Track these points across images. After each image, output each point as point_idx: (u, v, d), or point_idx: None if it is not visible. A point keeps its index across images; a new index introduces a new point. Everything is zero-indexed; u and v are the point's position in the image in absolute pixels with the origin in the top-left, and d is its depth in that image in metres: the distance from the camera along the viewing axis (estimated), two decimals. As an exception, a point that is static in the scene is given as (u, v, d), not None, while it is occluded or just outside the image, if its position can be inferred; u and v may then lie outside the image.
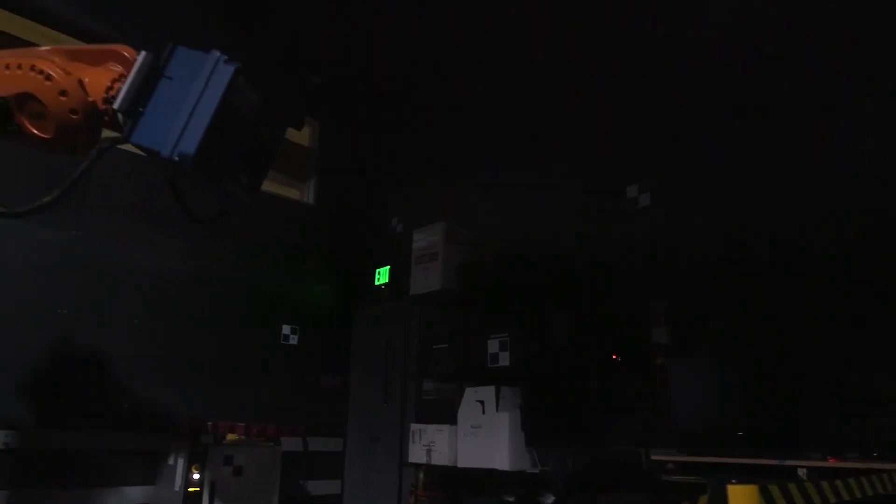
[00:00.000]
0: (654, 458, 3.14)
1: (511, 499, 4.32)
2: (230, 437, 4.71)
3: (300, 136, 6.54)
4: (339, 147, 6.72)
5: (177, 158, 1.65)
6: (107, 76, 1.78)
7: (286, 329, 5.91)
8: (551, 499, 4.10)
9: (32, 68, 1.74)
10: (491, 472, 4.00)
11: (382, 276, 6.22)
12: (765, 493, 1.53)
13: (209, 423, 4.61)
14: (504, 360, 4.12)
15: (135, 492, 4.73)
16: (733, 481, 1.37)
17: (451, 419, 4.34)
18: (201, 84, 1.71)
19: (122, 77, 1.74)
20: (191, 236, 5.38)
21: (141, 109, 1.69)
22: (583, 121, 4.81)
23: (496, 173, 5.41)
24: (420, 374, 4.97)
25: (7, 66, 1.76)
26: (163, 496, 4.60)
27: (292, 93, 6.26)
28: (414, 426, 4.59)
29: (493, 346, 4.18)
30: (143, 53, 1.73)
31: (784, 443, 3.14)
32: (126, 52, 1.81)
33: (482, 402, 4.14)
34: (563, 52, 4.97)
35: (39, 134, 1.78)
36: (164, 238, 5.18)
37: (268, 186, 6.19)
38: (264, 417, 5.25)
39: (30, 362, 4.46)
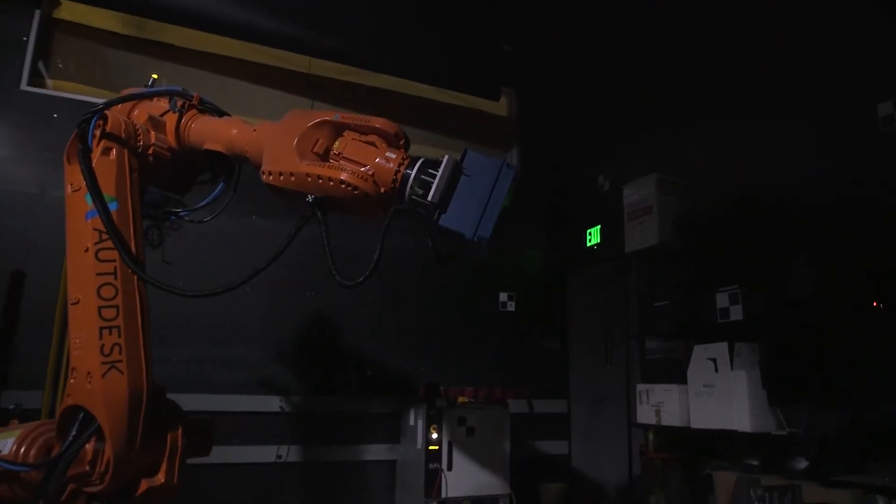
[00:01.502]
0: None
1: (755, 462, 4.01)
2: (461, 399, 5.00)
3: (498, 107, 6.63)
4: (538, 111, 6.68)
5: (476, 239, 2.32)
6: (388, 170, 2.37)
7: (503, 297, 6.08)
8: (804, 463, 3.72)
9: (341, 182, 2.36)
10: (729, 434, 3.75)
11: (594, 236, 6.10)
12: None
13: (441, 388, 4.94)
14: (736, 314, 3.82)
15: (384, 449, 5.30)
16: None
17: (680, 378, 4.14)
18: (491, 182, 2.31)
19: (400, 166, 2.35)
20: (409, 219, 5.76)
21: (447, 201, 2.30)
22: (812, 30, 4.17)
23: (711, 112, 4.95)
24: (642, 332, 4.80)
25: (314, 177, 2.40)
26: (408, 453, 5.06)
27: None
28: (640, 386, 4.46)
29: (721, 300, 3.89)
30: (447, 157, 2.31)
31: None
32: (389, 128, 2.45)
33: (714, 360, 3.88)
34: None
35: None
36: (393, 222, 5.61)
37: (472, 160, 6.40)
38: (490, 381, 5.49)
39: (292, 339, 5.19)
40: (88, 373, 2.52)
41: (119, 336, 2.57)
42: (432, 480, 4.62)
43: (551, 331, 6.28)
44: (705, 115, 5.03)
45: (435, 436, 4.73)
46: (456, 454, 4.78)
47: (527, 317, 6.15)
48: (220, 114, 2.99)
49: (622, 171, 5.30)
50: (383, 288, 5.44)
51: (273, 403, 4.98)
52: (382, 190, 2.42)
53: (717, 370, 3.87)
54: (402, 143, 2.52)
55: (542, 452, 5.96)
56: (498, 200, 2.35)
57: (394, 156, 2.40)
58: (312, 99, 5.77)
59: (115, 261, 2.62)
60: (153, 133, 2.84)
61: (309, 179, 2.42)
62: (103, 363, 2.52)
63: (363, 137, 2.49)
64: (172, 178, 3.02)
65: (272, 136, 2.58)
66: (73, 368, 2.55)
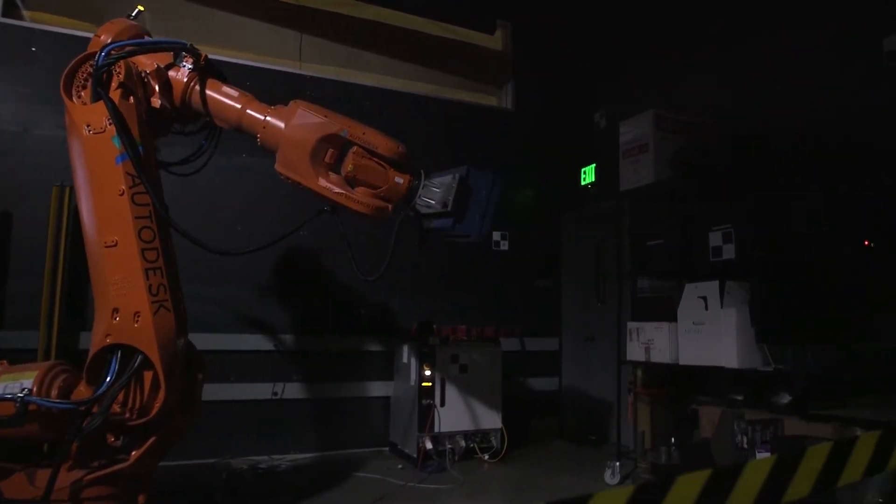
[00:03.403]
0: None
1: (739, 397, 4.11)
2: (453, 338, 5.06)
3: (493, 41, 6.42)
4: (533, 46, 6.48)
5: (478, 239, 3.08)
6: (398, 191, 2.97)
7: (496, 235, 6.07)
8: (787, 398, 3.81)
9: (358, 207, 2.92)
10: (717, 370, 3.82)
11: (588, 175, 6.04)
12: None
13: (435, 326, 4.98)
14: (728, 252, 3.81)
15: (378, 386, 5.39)
16: None
17: (671, 317, 4.17)
18: (488, 191, 3.05)
19: (409, 184, 2.99)
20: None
21: (461, 210, 2.98)
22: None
23: (710, 48, 4.82)
24: (634, 272, 4.81)
25: (333, 194, 2.89)
26: (401, 389, 5.16)
27: None
28: (631, 324, 4.51)
29: (714, 238, 3.87)
30: (456, 176, 2.98)
31: None
32: (391, 153, 2.95)
33: (705, 298, 3.90)
34: None
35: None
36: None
37: (465, 96, 6.25)
38: (483, 320, 5.55)
39: (285, 279, 5.19)
40: (136, 313, 2.64)
41: (163, 276, 2.74)
42: (425, 416, 4.73)
43: (544, 270, 6.30)
44: (704, 51, 4.89)
45: (428, 373, 4.81)
46: (448, 391, 4.88)
47: (520, 256, 6.15)
48: (222, 77, 3.11)
49: (619, 108, 5.19)
50: (378, 228, 5.41)
51: (267, 343, 5.03)
52: (390, 207, 2.97)
53: (707, 308, 3.90)
54: (404, 160, 2.98)
55: (534, 389, 6.09)
56: (493, 204, 3.07)
57: (402, 180, 2.96)
58: (301, 32, 5.58)
59: (149, 205, 2.77)
60: (156, 85, 2.90)
61: (327, 196, 2.89)
62: (153, 303, 2.67)
63: (370, 157, 2.91)
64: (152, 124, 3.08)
65: (285, 140, 2.91)
66: (116, 309, 2.64)
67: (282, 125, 2.92)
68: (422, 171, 3.02)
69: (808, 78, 4.01)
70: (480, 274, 5.95)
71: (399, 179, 2.93)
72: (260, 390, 4.96)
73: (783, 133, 3.82)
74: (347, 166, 2.86)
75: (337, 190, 2.87)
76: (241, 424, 4.89)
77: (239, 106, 3.00)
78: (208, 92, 3.01)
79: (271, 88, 5.23)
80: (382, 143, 2.91)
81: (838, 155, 3.62)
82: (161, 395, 2.66)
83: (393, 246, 2.96)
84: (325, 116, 2.92)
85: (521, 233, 6.18)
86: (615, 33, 5.97)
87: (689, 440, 4.27)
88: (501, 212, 6.34)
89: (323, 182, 2.87)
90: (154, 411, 2.67)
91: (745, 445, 3.66)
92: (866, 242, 3.53)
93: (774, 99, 4.16)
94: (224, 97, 3.02)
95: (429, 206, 2.97)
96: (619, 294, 4.85)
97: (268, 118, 2.96)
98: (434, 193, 2.96)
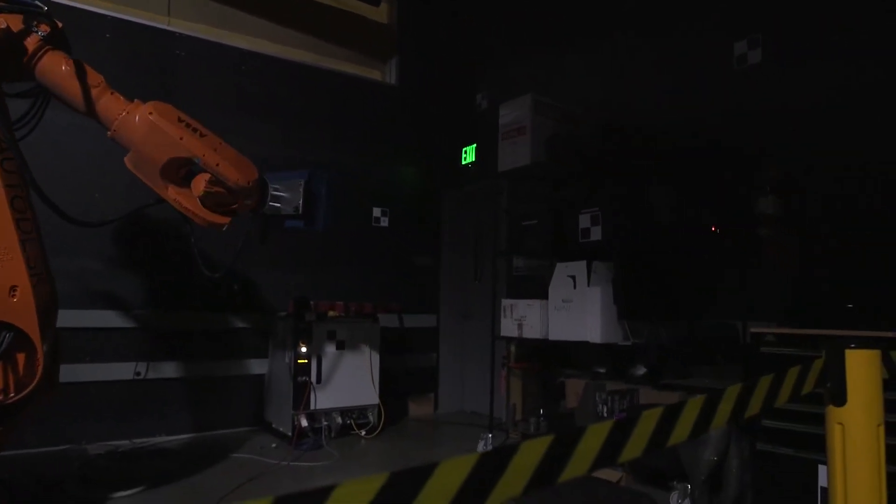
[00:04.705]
0: (753, 330, 3.04)
1: (601, 370, 4.40)
2: (331, 314, 4.99)
3: (378, 13, 6.32)
4: (419, 23, 6.45)
5: (323, 230, 3.59)
6: (247, 206, 3.17)
7: (377, 212, 6.03)
8: (642, 370, 4.13)
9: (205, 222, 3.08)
10: (582, 345, 4.05)
11: (469, 154, 6.14)
12: (886, 359, 1.44)
13: (312, 302, 4.88)
14: (596, 234, 4.04)
15: (253, 364, 5.21)
16: (852, 345, 1.28)
17: (543, 294, 4.37)
18: (327, 190, 3.50)
19: (257, 203, 3.22)
20: (279, 123, 5.47)
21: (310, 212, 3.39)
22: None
23: (586, 40, 5.04)
24: (510, 251, 4.98)
25: (182, 207, 2.99)
26: (276, 367, 5.02)
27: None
28: (505, 301, 4.67)
29: (584, 220, 4.09)
30: (302, 182, 3.34)
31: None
32: (242, 183, 2.98)
33: (573, 277, 4.12)
34: None
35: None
36: (254, 126, 5.30)
37: (350, 68, 6.12)
38: (361, 297, 5.51)
39: (146, 250, 4.83)
40: (13, 287, 2.53)
41: (37, 248, 2.66)
42: (301, 393, 4.64)
43: (425, 247, 6.36)
44: (580, 43, 5.11)
45: (304, 350, 4.72)
46: (325, 367, 4.82)
47: (400, 233, 6.16)
48: (69, 51, 2.89)
49: (501, 91, 5.31)
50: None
51: (128, 319, 4.69)
52: (239, 213, 3.20)
53: (575, 287, 4.12)
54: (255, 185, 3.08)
55: (412, 365, 6.16)
56: (332, 199, 3.56)
57: (250, 201, 3.15)
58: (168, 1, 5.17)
59: (17, 172, 2.61)
60: None
61: (173, 206, 2.99)
62: (32, 276, 2.58)
63: (221, 186, 2.95)
64: None
65: (135, 149, 2.84)
66: None
67: (133, 135, 2.78)
68: (267, 180, 3.26)
69: (669, 76, 4.30)
70: (360, 250, 5.89)
71: (248, 201, 3.12)
72: (120, 370, 4.63)
73: (646, 126, 4.09)
74: (198, 189, 2.93)
75: (184, 204, 2.97)
76: (98, 408, 4.54)
77: (90, 96, 2.77)
78: (58, 69, 2.73)
79: (136, 44, 4.85)
80: (234, 177, 2.92)
81: (692, 149, 3.93)
82: (39, 372, 2.57)
83: (241, 249, 3.34)
84: (181, 137, 2.81)
85: (402, 210, 6.18)
86: (500, 16, 6.07)
87: (556, 411, 4.52)
88: (381, 189, 6.39)
89: (171, 193, 2.95)
90: (28, 390, 2.55)
91: (606, 414, 3.93)
92: (713, 228, 3.87)
93: (639, 94, 4.44)
94: (77, 81, 2.75)
95: (277, 210, 3.33)
96: (493, 272, 4.99)
97: (120, 121, 2.78)
98: (283, 199, 3.32)
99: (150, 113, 2.78)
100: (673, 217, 3.94)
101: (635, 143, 4.12)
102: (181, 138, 2.80)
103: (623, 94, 4.54)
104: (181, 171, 2.92)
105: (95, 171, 4.57)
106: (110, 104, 2.78)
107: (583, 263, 4.07)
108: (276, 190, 3.30)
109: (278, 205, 3.31)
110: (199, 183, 2.93)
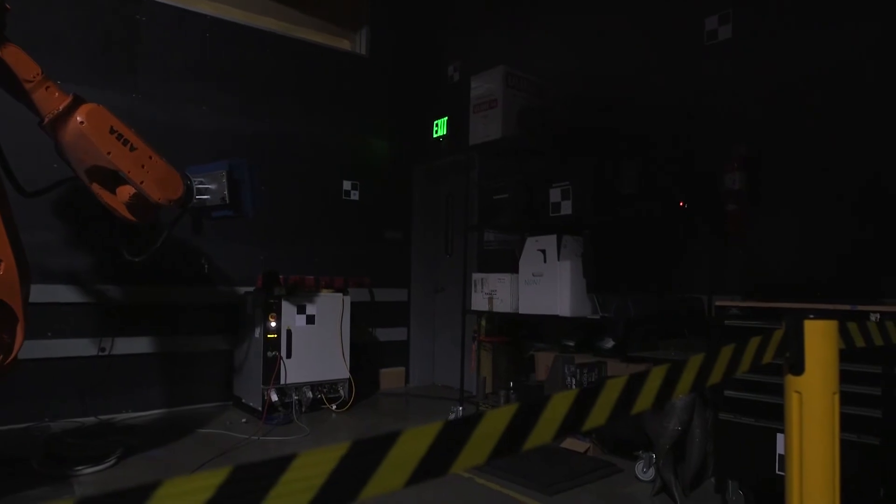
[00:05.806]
0: (718, 304, 3.10)
1: (571, 343, 4.46)
2: (301, 288, 4.95)
3: (348, -18, 6.17)
4: (390, -8, 6.33)
5: (251, 217, 3.66)
6: (171, 206, 3.28)
7: (347, 185, 5.96)
8: (610, 343, 4.20)
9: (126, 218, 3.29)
10: (552, 318, 4.09)
11: (440, 127, 6.09)
12: (843, 330, 1.47)
13: (281, 276, 4.83)
14: (566, 208, 4.05)
15: (220, 339, 5.15)
16: (811, 316, 1.31)
17: (513, 268, 4.39)
18: (248, 176, 3.52)
19: (181, 201, 3.33)
20: (247, 94, 5.34)
21: (236, 200, 3.48)
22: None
23: (558, 13, 5.00)
24: (481, 224, 4.98)
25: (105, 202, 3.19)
26: (245, 342, 4.98)
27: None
28: (476, 275, 4.68)
29: (554, 195, 4.10)
30: (224, 173, 3.39)
31: (859, 291, 3.02)
32: (162, 201, 3.17)
33: (543, 251, 4.14)
34: None
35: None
36: (221, 97, 5.17)
37: (319, 38, 5.98)
38: (332, 271, 5.47)
39: (108, 222, 4.69)
40: None
41: (11, 222, 2.69)
42: (270, 368, 4.62)
43: (395, 221, 6.32)
44: (552, 16, 5.06)
45: (273, 324, 4.68)
46: (295, 342, 4.79)
47: (371, 206, 6.11)
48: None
49: (473, 63, 5.25)
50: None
51: (89, 294, 4.59)
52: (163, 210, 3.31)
53: (545, 261, 4.14)
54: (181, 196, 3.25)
55: (383, 339, 6.16)
56: (254, 185, 3.57)
57: (173, 203, 3.23)
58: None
59: None
60: None
61: (98, 198, 3.12)
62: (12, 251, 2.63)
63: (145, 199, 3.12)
64: None
65: (68, 146, 2.88)
66: None
67: (63, 137, 2.80)
68: (189, 175, 3.37)
69: (641, 50, 4.30)
70: (330, 223, 5.83)
71: (172, 204, 3.23)
72: (84, 346, 4.54)
73: (616, 101, 4.09)
74: (123, 198, 3.11)
75: (107, 200, 3.12)
76: (62, 385, 4.45)
77: (25, 87, 2.74)
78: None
79: (99, 9, 4.67)
80: (157, 196, 3.08)
81: (661, 124, 3.96)
82: (18, 342, 2.64)
83: (165, 237, 3.47)
84: (109, 152, 2.88)
85: (373, 183, 6.13)
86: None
87: (526, 383, 4.57)
88: (351, 162, 6.31)
89: (96, 188, 3.09)
90: (11, 359, 2.63)
91: (574, 386, 3.99)
92: (681, 203, 3.92)
93: (611, 68, 4.43)
94: (14, 67, 2.71)
95: (204, 202, 3.40)
96: (464, 246, 4.99)
97: (51, 119, 2.77)
98: (209, 191, 3.40)
99: (82, 122, 2.78)
100: (641, 192, 3.97)
101: (605, 118, 4.13)
102: (109, 153, 2.89)
103: (594, 67, 4.53)
104: (107, 175, 3.05)
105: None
106: (44, 98, 2.75)
107: (553, 237, 4.09)
108: (201, 183, 3.38)
109: (206, 197, 3.40)
110: (124, 193, 3.10)
